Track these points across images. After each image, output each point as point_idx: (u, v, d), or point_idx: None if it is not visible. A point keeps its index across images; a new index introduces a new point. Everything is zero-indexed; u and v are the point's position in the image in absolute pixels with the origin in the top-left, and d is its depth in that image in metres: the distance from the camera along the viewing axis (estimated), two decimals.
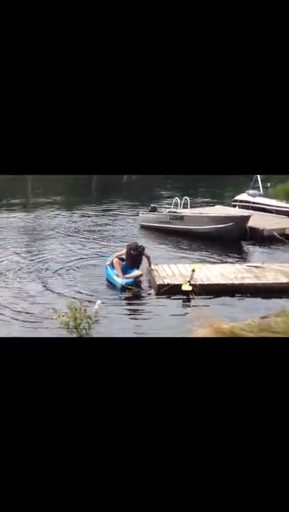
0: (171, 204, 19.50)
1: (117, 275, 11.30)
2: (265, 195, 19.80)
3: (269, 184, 20.57)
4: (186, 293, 10.50)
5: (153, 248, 14.33)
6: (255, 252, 15.10)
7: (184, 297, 10.38)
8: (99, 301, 6.73)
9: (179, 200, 18.90)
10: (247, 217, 16.29)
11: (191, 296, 10.26)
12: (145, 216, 18.52)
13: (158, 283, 11.04)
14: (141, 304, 10.48)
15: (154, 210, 18.71)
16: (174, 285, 10.83)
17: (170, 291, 10.74)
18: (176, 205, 18.94)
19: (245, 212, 17.52)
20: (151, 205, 19.21)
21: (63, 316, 6.39)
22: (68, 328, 6.33)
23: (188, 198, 19.04)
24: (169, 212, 18.35)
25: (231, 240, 15.56)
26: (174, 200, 19.36)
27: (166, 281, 11.03)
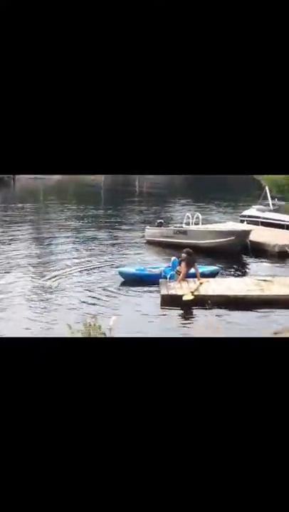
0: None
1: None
2: (277, 210, 19.75)
3: (276, 199, 20.54)
4: (188, 303, 10.61)
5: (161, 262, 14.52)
6: (266, 268, 15.06)
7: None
8: (114, 317, 6.74)
9: (190, 217, 19.01)
10: (248, 232, 16.42)
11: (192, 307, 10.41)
12: (151, 231, 18.66)
13: (162, 293, 11.13)
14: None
15: (160, 225, 18.84)
16: (177, 295, 10.96)
17: (174, 302, 10.85)
18: (187, 223, 19.04)
19: (247, 227, 17.63)
20: (158, 221, 19.33)
21: (78, 332, 6.39)
22: None
23: (200, 215, 19.11)
24: (175, 227, 18.55)
25: (233, 254, 15.71)
26: (185, 216, 19.46)
27: (170, 292, 11.12)
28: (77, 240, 19.84)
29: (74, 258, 16.44)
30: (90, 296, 11.81)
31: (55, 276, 13.70)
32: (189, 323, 10.10)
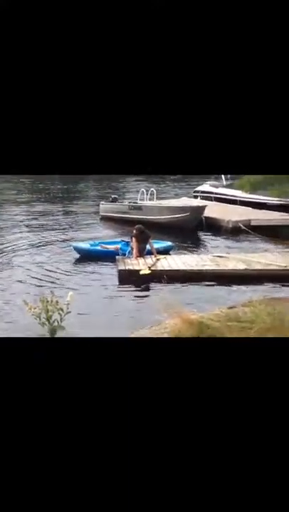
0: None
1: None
2: (229, 186, 19.89)
3: (229, 175, 20.67)
4: (145, 277, 10.78)
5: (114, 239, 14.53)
6: (220, 243, 15.19)
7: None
8: (71, 293, 6.70)
9: (145, 192, 18.91)
10: (202, 208, 16.52)
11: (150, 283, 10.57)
12: (105, 207, 18.54)
13: (119, 268, 11.18)
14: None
15: (114, 200, 18.73)
16: (135, 270, 11.10)
17: (131, 277, 10.99)
18: (142, 199, 18.94)
19: (201, 203, 17.73)
20: (112, 196, 19.22)
21: (35, 308, 6.35)
22: (40, 320, 6.31)
23: (154, 190, 19.04)
24: (129, 202, 18.46)
25: (188, 230, 15.81)
26: (140, 191, 19.35)
27: (127, 268, 11.16)
28: (30, 214, 19.63)
29: (26, 232, 16.32)
30: (43, 274, 11.70)
31: (3, 253, 13.55)
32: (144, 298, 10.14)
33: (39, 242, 14.98)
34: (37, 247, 14.47)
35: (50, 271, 11.82)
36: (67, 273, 11.70)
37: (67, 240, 15.14)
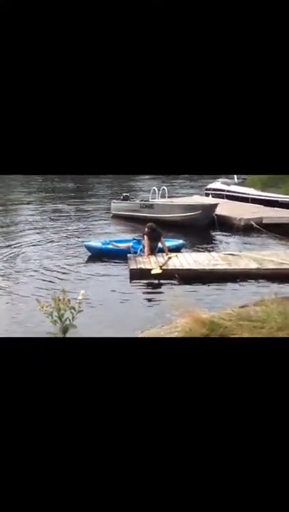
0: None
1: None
2: (241, 183, 19.79)
3: None
4: (156, 277, 10.80)
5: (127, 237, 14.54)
6: (233, 242, 15.14)
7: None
8: (83, 291, 6.71)
9: (156, 190, 18.89)
10: (214, 206, 16.49)
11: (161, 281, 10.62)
12: (116, 205, 18.56)
13: (130, 267, 11.16)
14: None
15: (126, 199, 18.74)
16: (146, 269, 11.10)
17: (143, 276, 10.99)
18: (154, 194, 18.93)
19: (213, 201, 17.69)
20: (124, 194, 19.24)
21: (47, 306, 6.37)
22: (52, 318, 6.33)
23: (166, 188, 19.01)
24: (141, 201, 18.46)
25: (199, 228, 15.80)
26: (151, 189, 19.34)
27: (138, 266, 11.16)
28: (43, 212, 19.70)
29: (38, 229, 16.36)
30: (51, 273, 11.73)
31: (11, 253, 13.59)
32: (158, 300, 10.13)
33: (49, 241, 15.01)
34: (46, 245, 14.51)
35: (56, 271, 11.84)
36: (77, 272, 11.72)
37: (69, 237, 15.20)
